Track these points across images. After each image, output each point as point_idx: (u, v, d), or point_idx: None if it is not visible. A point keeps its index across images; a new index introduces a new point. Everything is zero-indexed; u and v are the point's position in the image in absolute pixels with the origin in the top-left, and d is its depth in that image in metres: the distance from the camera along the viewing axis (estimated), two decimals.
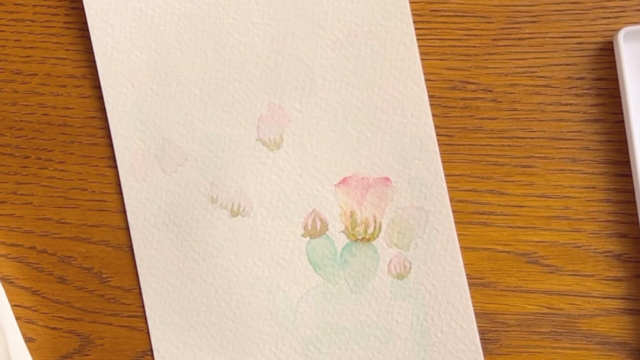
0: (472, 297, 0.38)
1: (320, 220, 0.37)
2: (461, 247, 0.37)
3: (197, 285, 0.37)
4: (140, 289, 0.38)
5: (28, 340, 0.38)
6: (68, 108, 0.39)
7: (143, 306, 0.38)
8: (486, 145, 0.38)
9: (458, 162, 0.38)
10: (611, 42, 0.37)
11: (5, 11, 0.39)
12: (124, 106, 0.38)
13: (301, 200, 0.37)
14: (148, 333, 0.38)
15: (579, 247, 0.38)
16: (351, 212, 0.37)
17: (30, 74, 0.39)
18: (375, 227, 0.37)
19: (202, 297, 0.37)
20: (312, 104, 0.37)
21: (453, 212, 0.37)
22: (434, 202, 0.37)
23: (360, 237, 0.37)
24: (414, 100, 0.37)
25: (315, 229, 0.37)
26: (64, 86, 0.39)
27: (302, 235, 0.37)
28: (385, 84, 0.37)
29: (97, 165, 0.39)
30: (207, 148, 0.37)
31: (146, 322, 0.38)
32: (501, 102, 0.38)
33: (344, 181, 0.37)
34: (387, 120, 0.37)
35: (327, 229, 0.37)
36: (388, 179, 0.37)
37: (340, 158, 0.37)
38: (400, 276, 0.37)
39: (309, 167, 0.37)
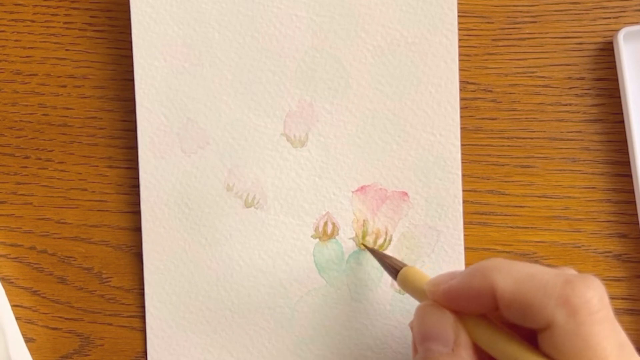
0: None
1: (332, 224, 0.37)
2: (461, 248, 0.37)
3: (200, 269, 0.37)
4: (140, 289, 0.38)
5: (28, 340, 0.38)
6: (68, 108, 0.39)
7: (143, 306, 0.38)
8: (486, 145, 0.38)
9: None
10: (611, 42, 0.37)
11: (5, 11, 0.39)
12: (152, 79, 0.37)
13: (316, 202, 0.37)
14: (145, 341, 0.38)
15: (579, 247, 0.38)
16: (364, 221, 0.37)
17: (30, 74, 0.39)
18: (385, 239, 0.37)
19: (203, 282, 0.37)
20: (343, 107, 0.37)
21: None
22: (447, 224, 0.37)
23: (369, 247, 0.37)
24: (445, 119, 0.37)
25: (326, 232, 0.37)
26: (64, 86, 0.39)
27: (311, 236, 0.37)
28: (419, 99, 0.37)
29: (97, 166, 0.39)
30: (230, 134, 0.37)
31: (143, 301, 0.38)
32: (501, 102, 0.38)
33: (362, 189, 0.37)
34: (415, 136, 0.37)
35: (338, 234, 0.37)
36: (406, 193, 0.37)
37: (362, 165, 0.37)
38: (402, 291, 0.37)
39: (329, 170, 0.37)
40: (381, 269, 0.36)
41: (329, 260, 0.37)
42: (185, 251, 0.37)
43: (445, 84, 0.37)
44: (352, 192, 0.37)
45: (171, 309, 0.37)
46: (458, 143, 0.37)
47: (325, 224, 0.37)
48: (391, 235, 0.37)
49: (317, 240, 0.37)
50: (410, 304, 0.37)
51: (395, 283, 0.36)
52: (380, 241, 0.37)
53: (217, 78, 0.37)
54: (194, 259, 0.37)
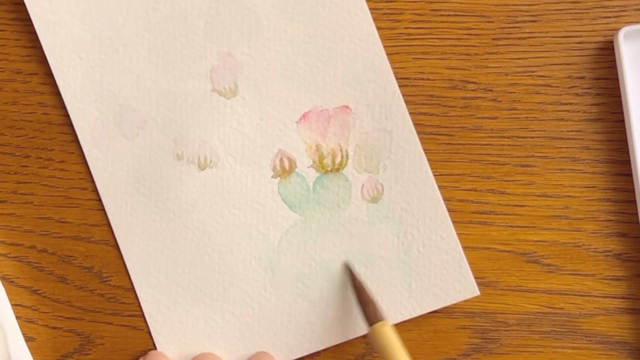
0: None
1: (288, 158, 0.38)
2: (462, 247, 0.37)
3: (178, 243, 0.38)
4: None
5: (28, 339, 0.38)
6: None
7: (138, 302, 0.38)
8: (486, 144, 0.38)
9: (458, 161, 0.38)
10: (611, 42, 0.37)
11: (5, 10, 0.39)
12: (75, 80, 0.38)
13: (266, 143, 0.38)
14: (149, 332, 0.38)
15: (579, 246, 0.38)
16: (317, 146, 0.38)
17: (31, 73, 0.39)
18: (342, 156, 0.38)
19: (185, 254, 0.38)
20: (261, 46, 0.37)
21: (453, 211, 0.38)
22: (395, 121, 0.37)
23: (329, 169, 0.38)
24: (359, 24, 0.37)
25: (284, 168, 0.38)
26: None
27: (272, 177, 0.38)
28: (329, 14, 0.37)
29: None
30: (164, 107, 0.38)
31: (135, 292, 0.38)
32: (501, 101, 0.38)
33: (304, 116, 0.38)
34: (337, 49, 0.37)
35: (296, 166, 0.38)
36: (347, 106, 0.37)
37: (297, 94, 0.38)
38: (374, 199, 0.37)
39: (267, 109, 0.38)
40: (348, 185, 0.37)
41: (296, 194, 0.38)
42: (157, 231, 0.38)
43: None
44: (296, 122, 0.38)
45: (163, 291, 0.38)
46: (379, 42, 0.37)
47: (281, 160, 0.38)
48: (346, 150, 0.38)
49: (279, 179, 0.38)
50: (387, 209, 0.37)
51: (366, 193, 0.37)
52: (338, 159, 0.37)
53: (134, 59, 0.38)
54: (168, 235, 0.38)
